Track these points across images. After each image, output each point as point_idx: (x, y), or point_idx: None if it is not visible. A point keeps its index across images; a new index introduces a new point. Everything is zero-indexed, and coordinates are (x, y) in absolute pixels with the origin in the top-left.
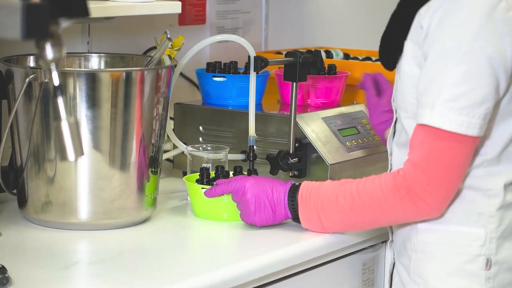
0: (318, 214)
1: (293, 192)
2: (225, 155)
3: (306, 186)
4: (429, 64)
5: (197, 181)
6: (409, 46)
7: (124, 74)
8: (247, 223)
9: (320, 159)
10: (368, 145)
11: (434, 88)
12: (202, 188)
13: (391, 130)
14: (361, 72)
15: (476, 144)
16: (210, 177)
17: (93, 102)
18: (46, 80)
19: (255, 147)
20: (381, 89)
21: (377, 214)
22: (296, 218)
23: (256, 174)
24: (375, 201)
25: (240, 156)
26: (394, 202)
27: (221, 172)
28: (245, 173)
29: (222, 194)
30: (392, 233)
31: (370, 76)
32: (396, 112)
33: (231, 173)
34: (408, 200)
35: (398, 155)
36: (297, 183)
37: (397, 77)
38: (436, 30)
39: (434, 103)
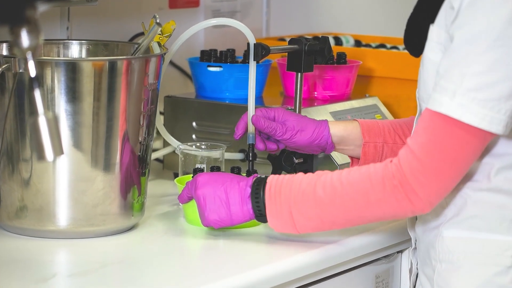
0: (290, 209)
1: (258, 186)
2: (222, 154)
3: (276, 179)
4: (454, 46)
5: None
6: (435, 30)
7: (108, 63)
8: (204, 226)
9: (328, 159)
10: None
11: (456, 74)
12: None
13: (415, 125)
14: (374, 61)
15: (488, 142)
16: None
17: (73, 95)
18: (21, 71)
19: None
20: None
21: (362, 208)
22: (260, 216)
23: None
24: (361, 193)
25: (238, 156)
26: (384, 194)
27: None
28: (244, 174)
29: (189, 198)
30: (416, 240)
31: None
32: (419, 104)
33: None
34: (400, 192)
35: None
36: (262, 176)
37: (421, 66)
38: (466, 10)
39: (455, 91)
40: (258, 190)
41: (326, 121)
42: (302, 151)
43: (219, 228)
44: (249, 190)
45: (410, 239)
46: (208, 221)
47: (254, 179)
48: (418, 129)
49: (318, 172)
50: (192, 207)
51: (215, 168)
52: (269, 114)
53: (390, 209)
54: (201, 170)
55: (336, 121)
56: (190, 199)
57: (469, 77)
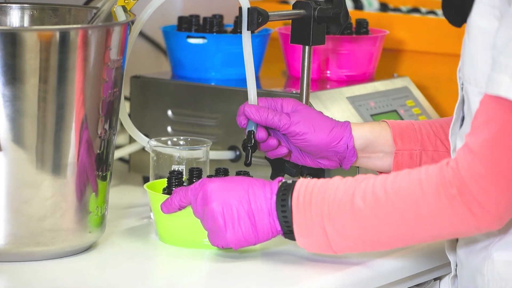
0: (323, 224)
1: (285, 193)
2: (205, 153)
3: (305, 185)
4: None
5: (164, 190)
6: None
7: (57, 34)
8: (218, 247)
9: None
10: None
11: None
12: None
13: (455, 115)
14: (405, 30)
15: None
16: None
17: (12, 75)
18: None
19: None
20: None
21: (412, 224)
22: (289, 233)
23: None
24: (409, 205)
25: (228, 154)
26: (439, 205)
27: (197, 175)
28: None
29: (181, 207)
30: (457, 265)
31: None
32: (462, 88)
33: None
34: (459, 203)
35: None
36: (289, 181)
37: (466, 37)
38: None
39: None
40: (285, 198)
41: (347, 122)
42: (312, 160)
43: (239, 248)
44: (274, 199)
45: (449, 263)
46: (228, 242)
47: (280, 183)
48: (477, 122)
49: (358, 177)
50: (167, 221)
51: (221, 172)
52: (275, 104)
53: (448, 225)
54: (180, 174)
55: (358, 123)
56: (181, 209)
57: None
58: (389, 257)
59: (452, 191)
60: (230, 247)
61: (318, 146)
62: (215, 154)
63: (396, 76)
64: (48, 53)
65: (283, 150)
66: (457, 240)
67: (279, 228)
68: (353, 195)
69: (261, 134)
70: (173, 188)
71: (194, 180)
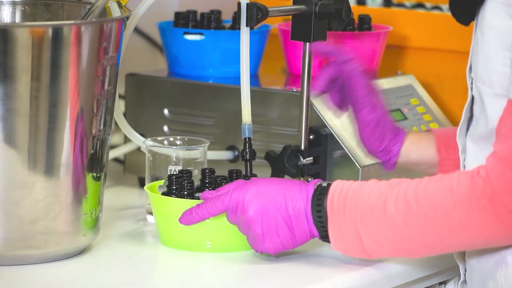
0: (357, 230)
1: (320, 197)
2: (203, 153)
3: (340, 188)
4: None
5: (164, 192)
6: None
7: (50, 30)
8: (257, 252)
9: (347, 158)
10: None
11: None
12: (177, 200)
13: (463, 116)
14: (410, 26)
15: None
16: (195, 185)
17: (4, 73)
18: None
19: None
20: (349, 86)
21: (443, 233)
22: (325, 236)
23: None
24: (441, 213)
25: (226, 155)
26: (470, 216)
27: (187, 179)
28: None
29: (207, 218)
30: (465, 269)
31: (328, 71)
32: (472, 88)
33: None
34: (491, 214)
35: (474, 154)
36: (324, 183)
37: (478, 34)
38: None
39: None
40: (320, 201)
41: (402, 138)
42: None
43: (277, 253)
44: (310, 202)
45: (457, 266)
46: (267, 249)
47: (316, 186)
48: (504, 129)
49: (392, 181)
50: (170, 223)
51: (208, 172)
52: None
53: (480, 235)
54: (182, 175)
55: (411, 135)
56: (206, 219)
57: None
58: (394, 260)
59: (483, 201)
60: (269, 253)
61: (366, 147)
62: (213, 154)
63: (400, 74)
64: (40, 50)
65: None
66: None
67: (315, 232)
68: (386, 201)
69: (321, 82)
70: (174, 190)
71: (207, 181)
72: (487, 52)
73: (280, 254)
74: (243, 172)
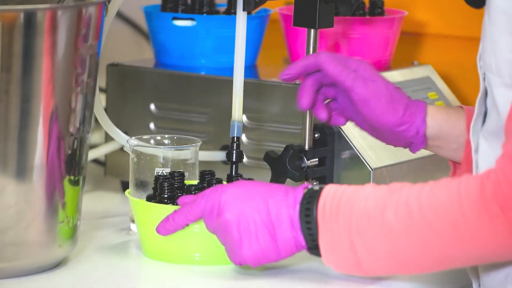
0: (352, 240)
1: (310, 202)
2: (194, 154)
3: (333, 193)
4: None
5: (149, 197)
6: None
7: (22, 15)
8: (236, 264)
9: (356, 160)
10: None
11: None
12: (162, 206)
13: (476, 110)
14: (427, 10)
15: None
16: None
17: None
18: None
19: (243, 139)
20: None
21: (450, 244)
22: (314, 248)
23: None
24: (447, 222)
25: (220, 155)
26: (480, 225)
27: (179, 180)
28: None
29: (186, 225)
30: (479, 280)
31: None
32: (484, 78)
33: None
34: (503, 223)
35: (486, 153)
36: (316, 187)
37: (486, 19)
38: None
39: None
40: (309, 208)
41: (424, 104)
42: (376, 135)
43: (258, 266)
44: (298, 208)
45: (471, 284)
46: (245, 258)
47: (305, 190)
48: None
49: (392, 185)
50: (153, 232)
51: (207, 174)
52: (347, 64)
53: (490, 246)
54: (166, 178)
55: (434, 107)
56: (183, 227)
57: None
58: (400, 277)
59: (494, 207)
60: (249, 265)
61: (386, 127)
62: (206, 155)
63: (416, 64)
64: (11, 37)
65: (341, 120)
66: None
67: (303, 242)
68: (384, 208)
69: (321, 112)
70: (164, 195)
71: (205, 185)
72: (495, 37)
73: (271, 269)
74: (244, 176)
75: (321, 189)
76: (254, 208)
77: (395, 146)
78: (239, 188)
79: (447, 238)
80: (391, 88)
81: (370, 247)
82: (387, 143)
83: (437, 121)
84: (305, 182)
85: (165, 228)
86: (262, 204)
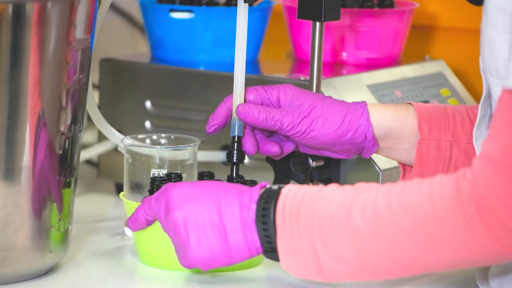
0: (313, 243)
1: (267, 201)
2: (192, 154)
3: (293, 193)
4: None
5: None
6: None
7: (10, 8)
8: (185, 267)
9: (364, 160)
10: None
11: None
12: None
13: (479, 114)
14: (439, 3)
15: None
16: None
17: None
18: None
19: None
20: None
21: (421, 249)
22: (271, 251)
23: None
24: (418, 224)
25: (219, 156)
26: (454, 227)
27: (176, 182)
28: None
29: (148, 222)
30: (488, 283)
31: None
32: (486, 81)
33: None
34: (479, 224)
35: None
36: (274, 187)
37: (483, 19)
38: None
39: None
40: (266, 208)
41: (363, 104)
42: (325, 153)
43: (209, 269)
44: (254, 208)
45: None
46: (193, 259)
47: (262, 190)
48: (496, 125)
49: (358, 186)
50: (149, 238)
51: (206, 175)
52: (271, 95)
53: (464, 250)
54: (163, 180)
55: (379, 104)
56: (149, 223)
57: None
58: (408, 285)
59: (470, 209)
60: (198, 268)
61: (329, 141)
62: (205, 155)
63: (428, 59)
64: None
65: (280, 149)
66: (489, 267)
67: (258, 244)
68: (350, 209)
69: (249, 147)
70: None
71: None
72: (491, 36)
73: (271, 278)
74: (245, 178)
75: (280, 189)
76: (204, 207)
77: (348, 158)
78: (192, 186)
79: (418, 240)
80: (320, 103)
81: (334, 251)
82: (341, 157)
83: (382, 120)
84: (310, 185)
85: (132, 223)
86: (214, 204)
